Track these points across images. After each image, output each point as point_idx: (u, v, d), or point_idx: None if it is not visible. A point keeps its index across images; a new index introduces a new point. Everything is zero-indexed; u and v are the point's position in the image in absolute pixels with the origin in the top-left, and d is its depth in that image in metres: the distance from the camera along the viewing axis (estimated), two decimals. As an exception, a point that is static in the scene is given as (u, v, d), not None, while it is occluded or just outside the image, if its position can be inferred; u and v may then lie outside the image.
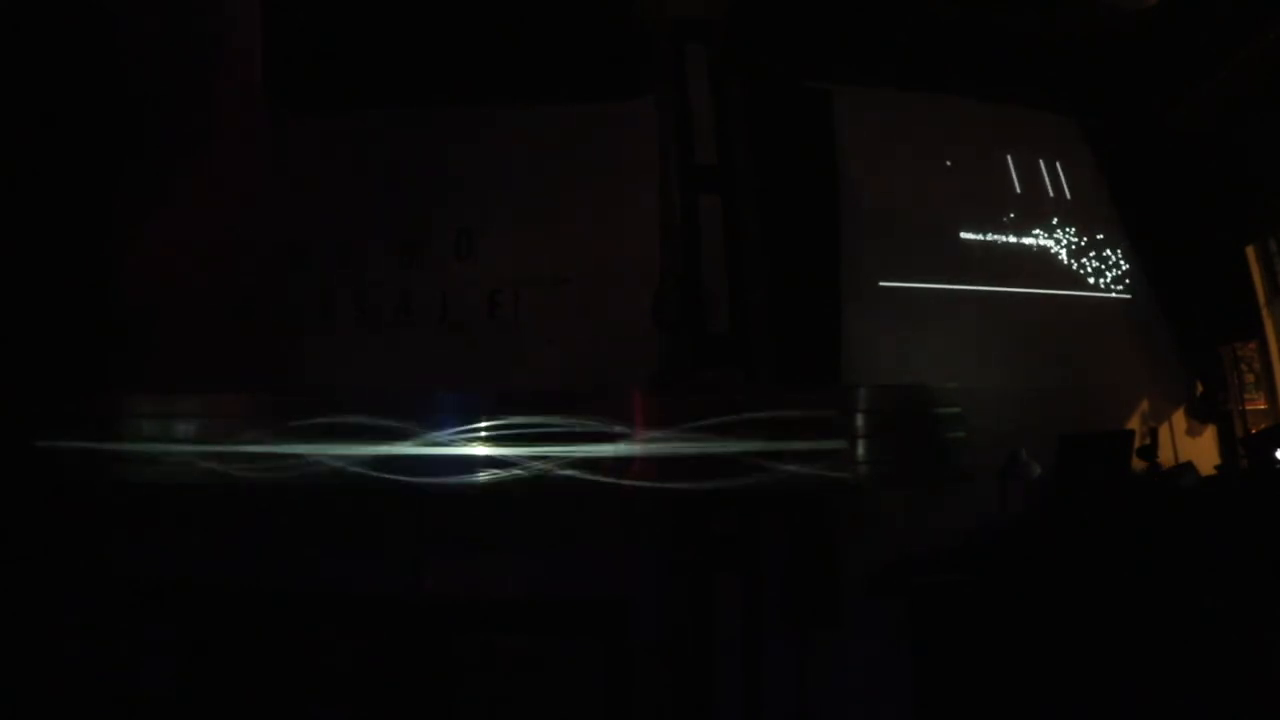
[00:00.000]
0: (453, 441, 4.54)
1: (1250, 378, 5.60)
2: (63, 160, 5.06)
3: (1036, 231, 5.59)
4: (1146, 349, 5.60)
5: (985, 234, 5.51)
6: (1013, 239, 5.54)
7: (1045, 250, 5.58)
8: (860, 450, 4.53)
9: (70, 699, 4.64)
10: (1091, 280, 5.64)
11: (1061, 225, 5.65)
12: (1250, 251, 5.71)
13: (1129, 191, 5.73)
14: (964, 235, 5.47)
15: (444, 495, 4.54)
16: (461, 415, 4.56)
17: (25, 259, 4.94)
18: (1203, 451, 5.48)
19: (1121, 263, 5.69)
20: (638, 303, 4.94)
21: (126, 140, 5.28)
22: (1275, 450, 4.58)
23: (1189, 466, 5.02)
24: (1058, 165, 5.72)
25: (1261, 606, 3.41)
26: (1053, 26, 5.33)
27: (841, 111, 5.30)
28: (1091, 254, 5.67)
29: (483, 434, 4.54)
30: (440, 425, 4.55)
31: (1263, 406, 5.56)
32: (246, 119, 5.31)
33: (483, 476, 4.51)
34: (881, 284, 5.23)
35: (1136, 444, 4.98)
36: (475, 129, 5.23)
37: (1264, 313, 5.65)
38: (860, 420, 4.53)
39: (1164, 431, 5.42)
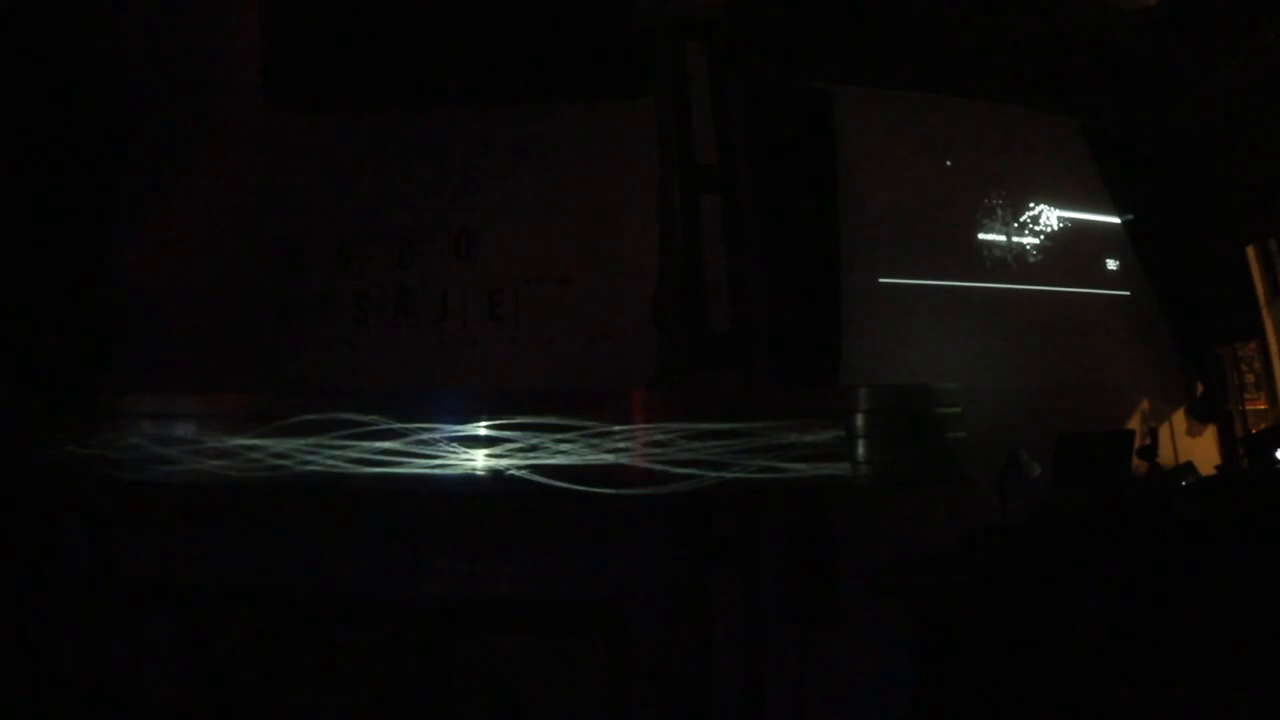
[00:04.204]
0: (453, 441, 4.54)
1: (1250, 378, 5.59)
2: (62, 160, 5.06)
3: (1036, 231, 5.59)
4: (1146, 349, 5.60)
5: (985, 234, 5.50)
6: (1013, 239, 5.54)
7: (1045, 250, 5.58)
8: (860, 450, 4.53)
9: (70, 699, 4.64)
10: (1091, 280, 5.64)
11: (1061, 225, 5.64)
12: (1250, 251, 5.70)
13: (1129, 191, 5.72)
14: (964, 235, 5.47)
15: (444, 495, 4.54)
16: (461, 415, 4.56)
17: (25, 259, 4.94)
18: (1203, 451, 5.48)
19: (1121, 263, 5.68)
20: (638, 303, 4.94)
21: (126, 140, 5.28)
22: (1275, 450, 4.57)
23: (1189, 466, 5.01)
24: (1058, 165, 5.71)
25: (1262, 607, 3.41)
26: (1053, 26, 5.32)
27: (841, 111, 5.30)
28: (1091, 254, 5.66)
29: (483, 434, 4.54)
30: (440, 425, 4.55)
31: (1263, 406, 5.55)
32: (246, 119, 5.31)
33: (482, 477, 4.51)
34: (881, 284, 5.23)
35: (1136, 444, 4.97)
36: (475, 129, 5.23)
37: (1264, 313, 5.65)
38: (860, 420, 4.53)
39: (1164, 431, 5.41)
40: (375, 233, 5.18)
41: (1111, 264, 5.67)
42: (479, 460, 4.52)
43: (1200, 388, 5.60)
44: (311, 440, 4.58)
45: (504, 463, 4.51)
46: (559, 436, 4.48)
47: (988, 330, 5.29)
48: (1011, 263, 5.52)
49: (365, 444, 4.55)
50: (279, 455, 4.59)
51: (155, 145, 5.32)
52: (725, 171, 4.98)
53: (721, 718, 4.58)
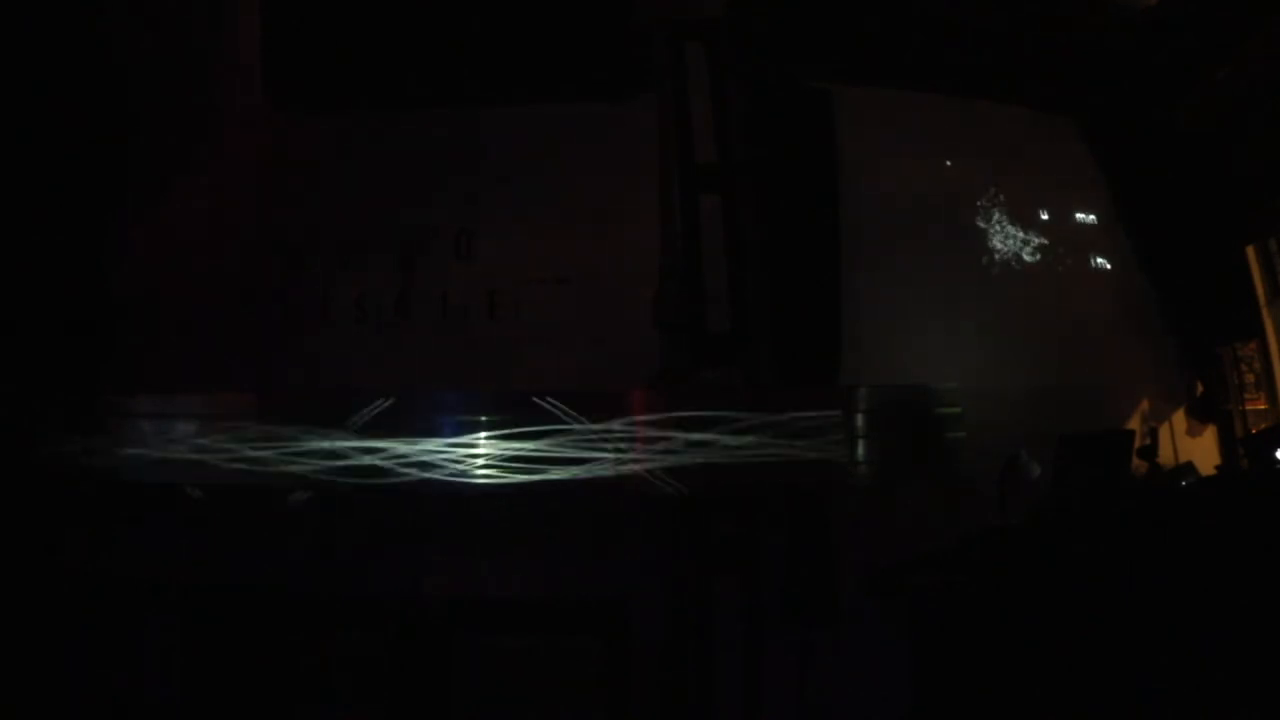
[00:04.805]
0: (453, 441, 4.54)
1: (1250, 378, 5.58)
2: (63, 160, 5.06)
3: (1036, 231, 5.59)
4: (1146, 349, 5.60)
5: (985, 233, 5.50)
6: (1013, 239, 5.54)
7: (1045, 249, 5.58)
8: (860, 450, 4.53)
9: (70, 699, 4.64)
10: (1091, 279, 5.64)
11: (1061, 225, 5.64)
12: (1250, 251, 5.70)
13: (1129, 192, 5.72)
14: (964, 235, 5.47)
15: (444, 495, 4.55)
16: (461, 415, 4.56)
17: (26, 260, 4.94)
18: (1203, 451, 5.48)
19: (1121, 263, 5.68)
20: (638, 303, 4.94)
21: (127, 141, 5.28)
22: (1275, 450, 4.56)
23: (1189, 466, 5.01)
24: (1058, 165, 5.71)
25: (1262, 607, 3.41)
26: (1053, 26, 5.32)
27: (841, 111, 5.29)
28: (1091, 254, 5.66)
29: (483, 434, 4.54)
30: (440, 425, 4.56)
31: (1263, 406, 5.54)
32: (246, 119, 5.31)
33: (482, 476, 4.51)
34: (882, 283, 5.23)
35: (1136, 444, 4.97)
36: (475, 129, 5.23)
37: (1264, 313, 5.64)
38: (860, 420, 4.53)
39: (1164, 431, 5.41)
40: (375, 233, 5.19)
41: (1111, 264, 5.67)
42: (479, 460, 4.53)
43: (1200, 388, 5.60)
44: (311, 440, 4.59)
45: (504, 462, 4.52)
46: (559, 436, 4.49)
47: (988, 330, 5.29)
48: (1011, 262, 5.52)
49: (365, 444, 4.56)
50: (279, 455, 4.60)
51: (156, 145, 5.31)
52: (725, 171, 4.98)
53: (721, 718, 4.58)
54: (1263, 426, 5.37)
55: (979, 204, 5.52)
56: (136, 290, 5.16)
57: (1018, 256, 5.55)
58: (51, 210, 5.01)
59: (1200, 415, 5.60)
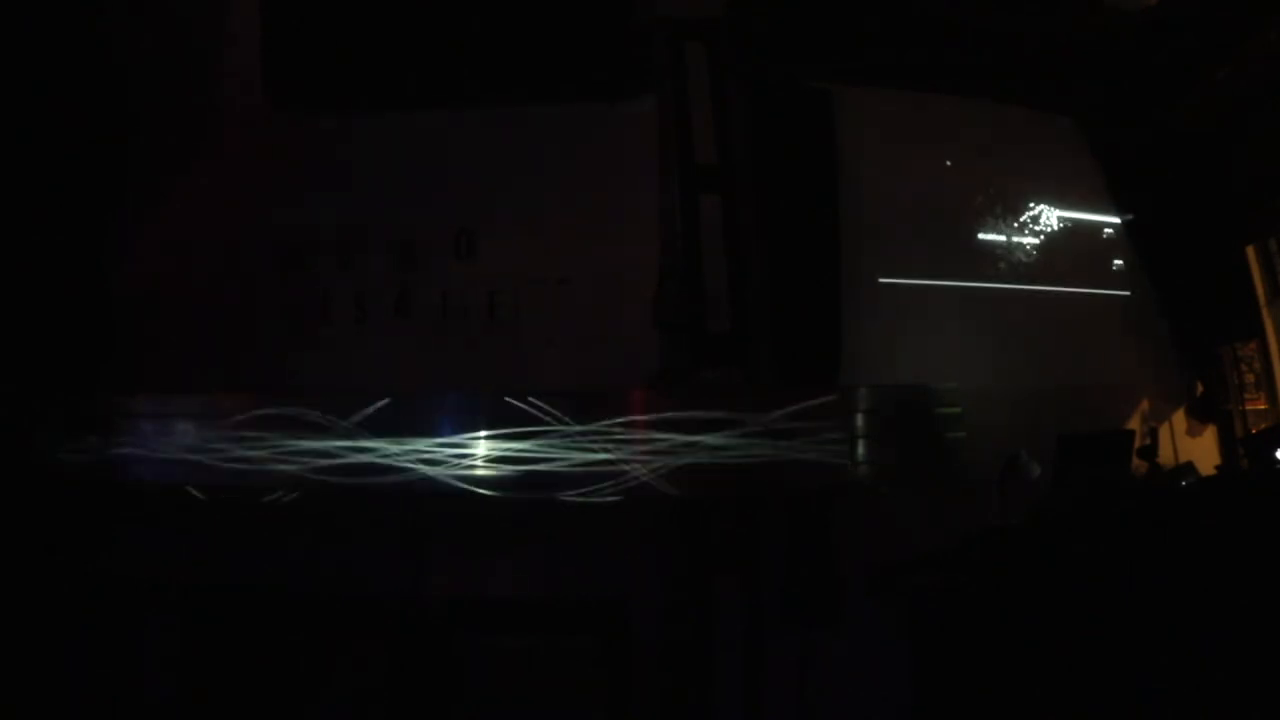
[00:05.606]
0: (453, 441, 4.54)
1: (1250, 378, 5.58)
2: (63, 161, 5.06)
3: (1036, 231, 5.59)
4: (1146, 349, 5.60)
5: (985, 234, 5.51)
6: (1013, 239, 5.54)
7: (1045, 250, 5.58)
8: (860, 450, 4.53)
9: (70, 699, 4.64)
10: (1092, 280, 5.64)
11: (1061, 225, 5.64)
12: (1250, 251, 5.70)
13: (1129, 191, 5.72)
14: (964, 235, 5.47)
15: (444, 495, 4.55)
16: (461, 415, 4.56)
17: (26, 261, 4.94)
18: (1203, 451, 5.48)
19: (1121, 262, 5.68)
20: (638, 303, 4.94)
21: (127, 141, 5.28)
22: (1275, 450, 4.56)
23: (1189, 466, 5.01)
24: (1058, 165, 5.71)
25: (1262, 607, 3.41)
26: (1053, 26, 5.32)
27: (841, 111, 5.29)
28: (1091, 254, 5.66)
29: (483, 433, 4.54)
30: (440, 425, 4.56)
31: (1263, 406, 5.55)
32: (246, 120, 5.31)
33: (482, 476, 4.51)
34: (882, 284, 5.23)
35: (1136, 444, 4.97)
36: (475, 129, 5.23)
37: (1264, 313, 5.64)
38: (860, 420, 4.53)
39: (1164, 431, 5.42)
40: (375, 233, 5.19)
41: (1111, 264, 5.67)
42: (479, 460, 4.53)
43: (1200, 388, 5.60)
44: (311, 440, 4.59)
45: (504, 462, 4.52)
46: (559, 436, 4.49)
47: (988, 330, 5.29)
48: (1011, 263, 5.52)
49: (365, 444, 4.56)
50: (278, 455, 4.60)
51: (156, 145, 5.31)
52: (725, 171, 4.98)
53: (721, 718, 4.58)
54: (1263, 426, 5.37)
55: (979, 204, 5.52)
56: (136, 290, 5.16)
57: (1018, 256, 5.55)
58: (51, 210, 5.01)
59: (1200, 415, 5.61)
